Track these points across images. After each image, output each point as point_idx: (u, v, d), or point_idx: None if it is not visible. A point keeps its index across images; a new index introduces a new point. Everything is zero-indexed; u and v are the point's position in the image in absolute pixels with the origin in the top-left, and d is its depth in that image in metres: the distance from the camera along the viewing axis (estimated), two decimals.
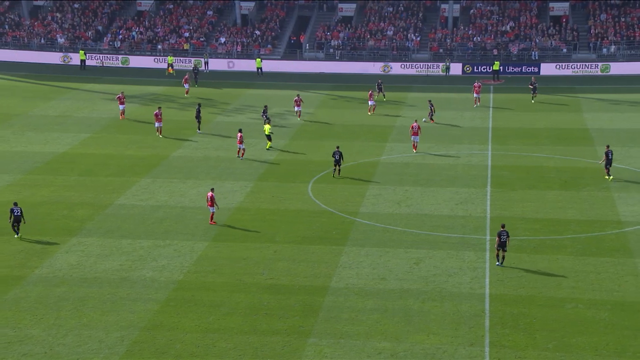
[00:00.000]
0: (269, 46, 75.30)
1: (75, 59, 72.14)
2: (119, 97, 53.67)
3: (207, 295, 29.23)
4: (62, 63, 72.76)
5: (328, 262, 32.23)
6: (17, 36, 75.83)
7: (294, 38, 76.74)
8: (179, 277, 30.70)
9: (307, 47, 75.61)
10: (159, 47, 74.75)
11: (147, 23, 77.92)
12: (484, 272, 31.42)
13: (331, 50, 74.98)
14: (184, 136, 50.15)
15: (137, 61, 72.79)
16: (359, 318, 27.79)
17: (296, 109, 55.01)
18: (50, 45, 75.33)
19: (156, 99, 60.64)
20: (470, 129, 53.37)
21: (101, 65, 72.13)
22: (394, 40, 75.26)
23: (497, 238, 31.73)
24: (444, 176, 43.31)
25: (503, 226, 32.01)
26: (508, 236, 31.65)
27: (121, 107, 53.42)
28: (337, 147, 42.66)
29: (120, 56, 73.08)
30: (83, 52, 71.40)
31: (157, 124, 49.50)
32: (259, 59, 71.03)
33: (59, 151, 46.48)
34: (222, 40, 75.51)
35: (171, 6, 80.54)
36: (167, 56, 72.23)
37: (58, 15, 79.14)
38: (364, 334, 26.73)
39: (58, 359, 24.79)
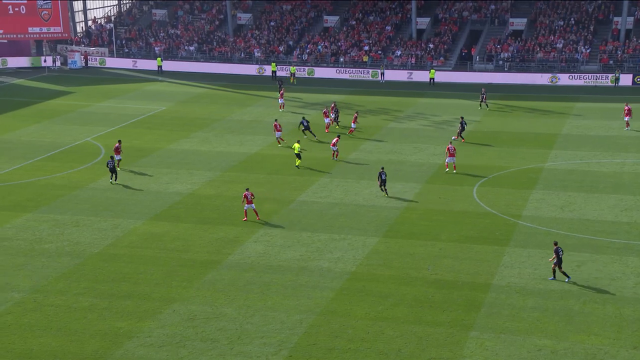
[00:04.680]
0: (442, 58, 74.44)
1: (268, 70, 74.93)
2: (327, 110, 54.23)
3: (376, 286, 29.33)
4: (257, 74, 75.78)
5: (490, 261, 31.35)
6: (222, 51, 79.90)
7: (465, 51, 75.39)
8: (352, 268, 31.02)
9: (477, 59, 74.00)
10: (341, 59, 76.00)
11: (331, 38, 79.47)
12: None
13: (500, 62, 72.92)
14: (358, 141, 50.66)
15: (321, 72, 74.46)
16: (519, 315, 26.83)
17: (332, 115, 53.29)
18: (248, 58, 78.70)
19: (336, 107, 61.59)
20: (637, 137, 49.96)
21: (292, 75, 74.37)
22: (563, 53, 71.97)
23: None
24: (609, 183, 40.83)
25: (556, 243, 29.50)
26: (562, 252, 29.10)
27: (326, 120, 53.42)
28: (382, 168, 39.66)
29: (306, 67, 75.06)
30: (274, 64, 74.01)
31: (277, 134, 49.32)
32: (432, 70, 70.42)
33: (251, 152, 48.38)
34: (398, 53, 75.55)
35: (354, 22, 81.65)
36: (347, 68, 73.58)
37: (256, 32, 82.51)
38: (524, 331, 25.76)
39: (247, 335, 25.77)
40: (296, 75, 72.41)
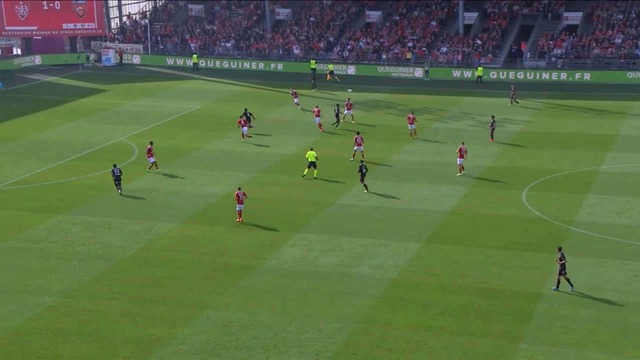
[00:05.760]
0: (490, 55, 73.75)
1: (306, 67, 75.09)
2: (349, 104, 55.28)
3: (418, 294, 29.17)
4: (295, 72, 75.80)
5: (541, 269, 30.93)
6: (260, 48, 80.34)
7: (515, 47, 74.52)
8: (393, 275, 30.89)
9: (528, 56, 73.10)
10: (384, 56, 75.82)
11: (374, 34, 79.33)
12: None
13: (553, 58, 71.92)
14: (400, 142, 50.47)
15: (362, 69, 74.40)
16: (572, 327, 26.43)
17: (346, 112, 54.25)
18: (287, 55, 79.00)
19: (377, 106, 61.57)
20: None
21: (330, 73, 74.42)
22: (622, 48, 70.66)
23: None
24: None
25: (560, 248, 29.38)
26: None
27: (348, 111, 54.72)
28: (362, 161, 41.07)
29: (347, 65, 75.02)
30: (314, 61, 74.11)
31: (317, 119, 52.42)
32: (480, 68, 69.82)
33: (288, 152, 48.48)
34: (444, 49, 75.07)
35: (397, 17, 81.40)
36: (391, 65, 73.53)
37: (296, 28, 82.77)
38: (577, 344, 25.37)
39: (283, 344, 25.81)
40: (335, 73, 72.27)
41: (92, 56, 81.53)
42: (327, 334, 26.41)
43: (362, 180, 40.33)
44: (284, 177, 43.47)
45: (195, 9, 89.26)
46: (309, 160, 42.49)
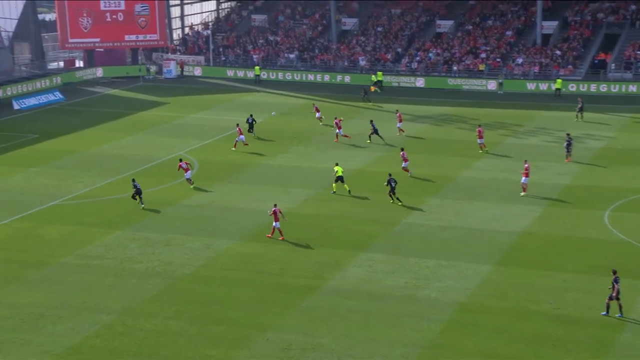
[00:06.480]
0: (570, 66, 72.58)
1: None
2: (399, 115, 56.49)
3: (489, 320, 28.84)
4: (361, 84, 76.05)
5: (623, 296, 30.10)
6: (325, 59, 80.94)
7: (598, 58, 73.13)
8: (462, 299, 30.62)
9: (613, 67, 71.64)
10: (454, 68, 75.44)
11: (444, 44, 79.05)
12: None
13: None
14: (471, 158, 50.05)
15: (432, 82, 74.15)
16: None
17: (398, 124, 55.47)
18: (352, 67, 79.36)
19: (447, 119, 61.24)
20: None
21: (397, 85, 74.48)
22: None
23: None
24: None
25: (614, 272, 28.74)
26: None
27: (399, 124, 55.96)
28: (390, 175, 41.62)
29: (416, 77, 74.91)
30: (381, 73, 74.26)
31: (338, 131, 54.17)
32: (559, 80, 68.76)
33: (353, 168, 48.53)
34: (519, 61, 74.25)
35: (470, 27, 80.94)
36: (462, 77, 73.10)
37: (362, 38, 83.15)
38: None
39: None
40: (401, 85, 72.14)
41: (153, 68, 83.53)
42: (392, 359, 26.33)
43: (391, 193, 40.96)
44: (347, 193, 43.54)
45: (259, 19, 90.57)
46: (337, 174, 43.14)
